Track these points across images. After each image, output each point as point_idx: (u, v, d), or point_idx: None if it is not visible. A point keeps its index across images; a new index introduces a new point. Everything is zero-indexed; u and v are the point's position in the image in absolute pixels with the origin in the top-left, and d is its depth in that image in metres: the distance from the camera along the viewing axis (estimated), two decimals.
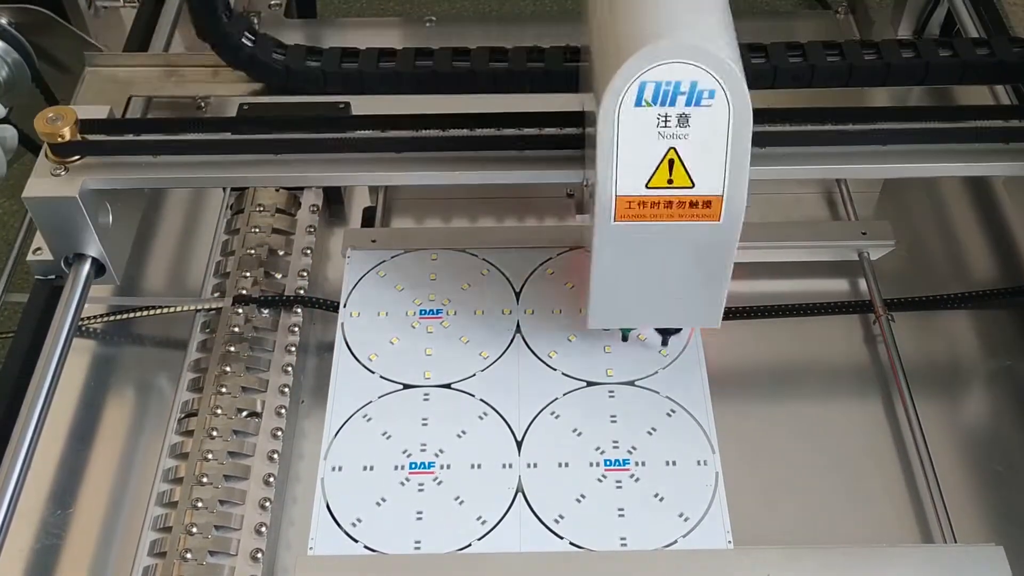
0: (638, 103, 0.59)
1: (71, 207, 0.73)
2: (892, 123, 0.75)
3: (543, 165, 0.74)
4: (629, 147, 0.61)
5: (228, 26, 0.81)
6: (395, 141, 0.75)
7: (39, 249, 0.78)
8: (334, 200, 0.94)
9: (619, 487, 0.71)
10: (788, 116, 0.74)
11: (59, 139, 0.72)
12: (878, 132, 0.74)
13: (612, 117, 0.60)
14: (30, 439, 0.68)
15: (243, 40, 0.83)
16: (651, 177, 0.62)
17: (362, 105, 0.83)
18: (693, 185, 0.62)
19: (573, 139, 0.73)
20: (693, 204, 0.63)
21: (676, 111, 0.59)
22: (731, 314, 0.84)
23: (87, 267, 0.77)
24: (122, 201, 0.78)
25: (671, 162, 0.61)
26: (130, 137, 0.75)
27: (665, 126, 0.60)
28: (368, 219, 0.93)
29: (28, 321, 0.80)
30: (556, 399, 0.76)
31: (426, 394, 0.76)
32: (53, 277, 0.79)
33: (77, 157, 0.74)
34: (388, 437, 0.74)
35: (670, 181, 0.61)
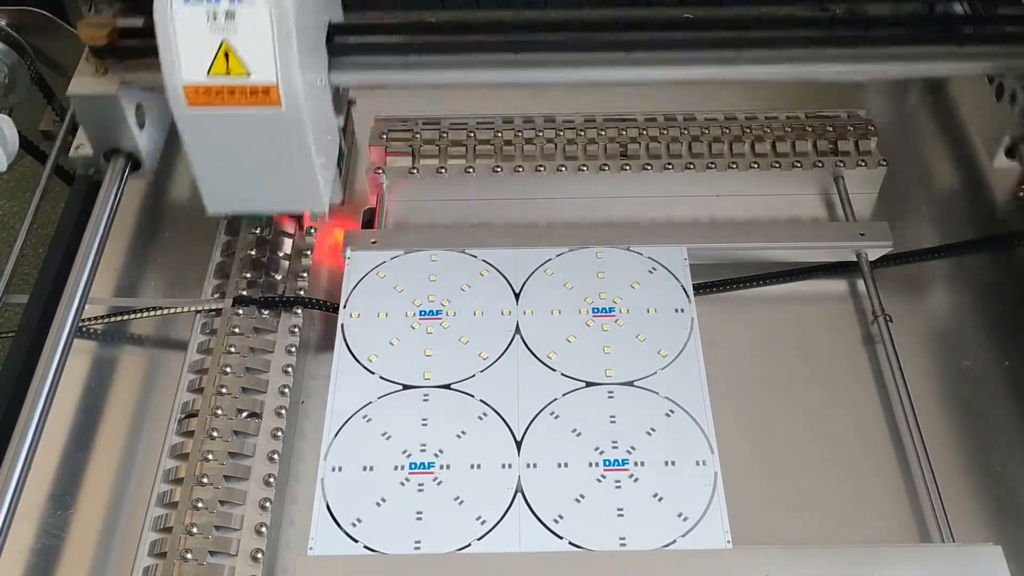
0: (186, 1, 0.69)
1: (111, 104, 0.80)
2: (853, 29, 0.82)
3: None
4: (186, 41, 0.70)
5: None
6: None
7: (81, 145, 0.85)
8: (334, 201, 0.94)
9: (618, 487, 0.71)
10: (757, 23, 0.82)
11: (100, 42, 0.78)
12: (842, 38, 0.81)
13: (166, 14, 0.69)
14: (31, 439, 0.68)
15: None
16: (210, 67, 0.70)
17: None
18: (249, 74, 0.70)
19: None
20: (253, 91, 0.71)
21: (223, 8, 0.69)
22: (721, 286, 0.87)
23: (124, 160, 0.84)
24: (156, 101, 0.83)
25: (226, 54, 0.70)
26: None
27: (215, 20, 0.69)
28: (368, 220, 0.93)
29: (68, 214, 0.87)
30: (555, 399, 0.76)
31: (426, 395, 0.76)
32: (93, 172, 0.86)
33: (114, 60, 0.80)
34: (388, 437, 0.74)
35: (228, 71, 0.70)
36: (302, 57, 0.71)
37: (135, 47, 0.79)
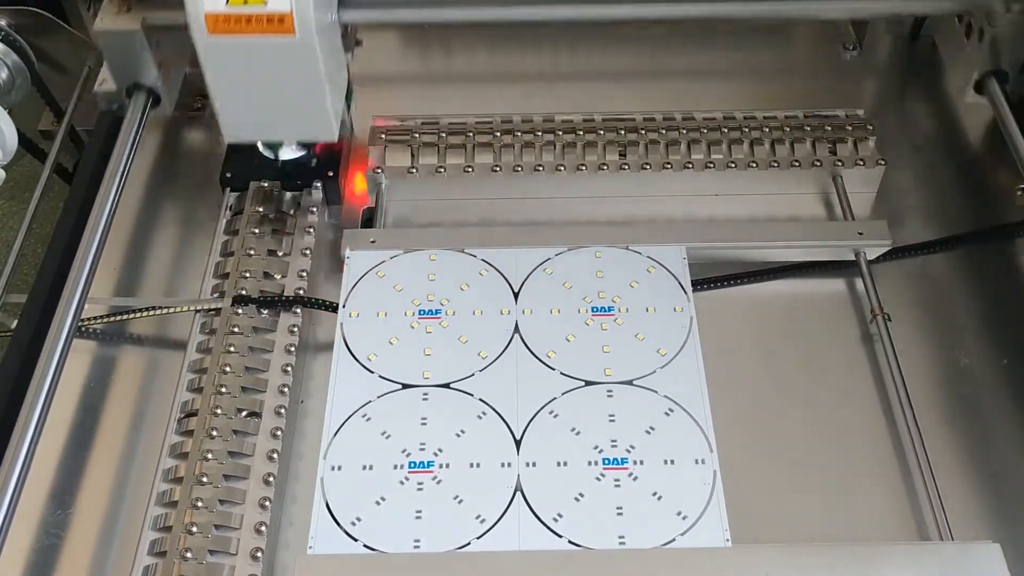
0: None
1: (134, 39, 0.86)
2: None
3: None
4: None
5: None
6: None
7: (104, 81, 0.91)
8: (333, 201, 0.94)
9: (617, 486, 0.71)
10: None
11: None
12: None
13: None
14: (30, 439, 0.68)
15: None
16: None
17: None
18: (266, 3, 0.73)
19: None
20: (269, 19, 0.74)
21: None
22: (719, 282, 0.87)
23: (145, 96, 0.89)
24: (175, 38, 0.88)
25: None
26: None
27: None
28: (367, 220, 0.93)
29: (92, 147, 0.90)
30: (555, 398, 0.76)
31: (425, 394, 0.77)
32: (116, 107, 0.92)
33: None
34: (387, 436, 0.74)
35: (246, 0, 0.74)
36: None
37: None
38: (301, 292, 0.84)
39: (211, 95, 0.78)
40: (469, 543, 0.69)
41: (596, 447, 0.73)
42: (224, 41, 0.75)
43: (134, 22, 0.86)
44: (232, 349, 0.79)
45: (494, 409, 0.75)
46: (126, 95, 0.90)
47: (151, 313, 0.84)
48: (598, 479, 0.71)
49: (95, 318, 0.85)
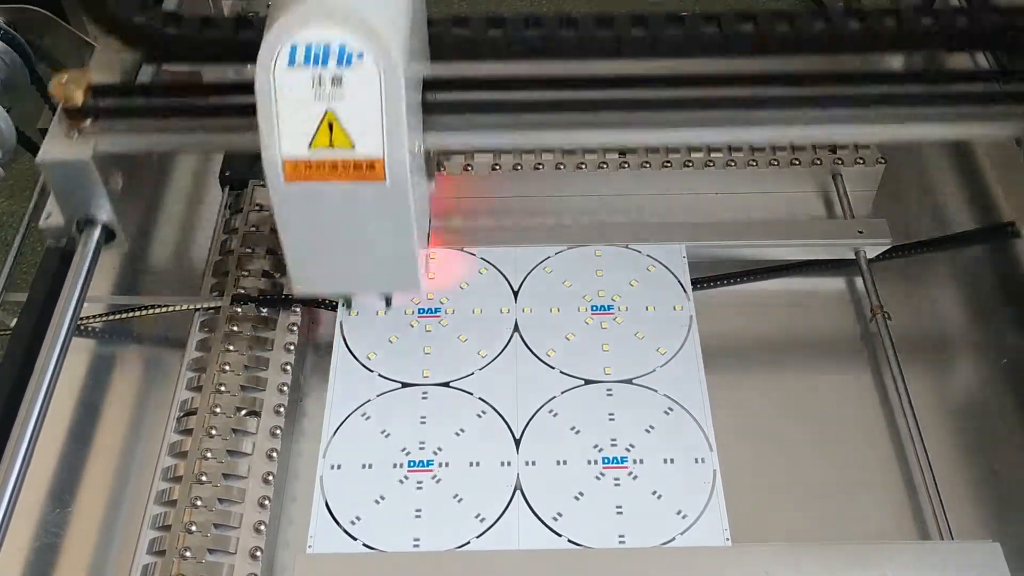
0: (291, 64, 0.61)
1: (84, 169, 0.73)
2: (875, 86, 0.75)
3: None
4: (288, 108, 0.62)
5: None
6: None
7: (51, 214, 0.78)
8: None
9: (617, 485, 0.71)
10: (771, 81, 0.75)
11: (72, 103, 0.72)
12: (863, 96, 0.74)
13: (268, 78, 0.61)
14: (29, 437, 0.68)
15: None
16: (312, 138, 0.63)
17: None
18: (354, 147, 0.63)
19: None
20: (357, 166, 0.64)
21: (329, 72, 0.61)
22: (718, 280, 0.87)
23: (98, 232, 0.76)
24: (133, 167, 0.78)
25: (330, 124, 0.63)
26: (141, 102, 0.74)
27: (320, 87, 0.62)
28: None
29: (39, 287, 0.80)
30: (554, 397, 0.76)
31: (424, 392, 0.76)
32: (64, 242, 0.79)
33: (89, 121, 0.73)
34: (387, 435, 0.74)
35: (331, 143, 0.63)
36: (410, 124, 0.65)
37: (111, 107, 0.73)
38: None
39: (283, 245, 0.69)
40: (469, 542, 0.68)
41: (596, 446, 0.73)
42: (303, 188, 0.65)
43: (85, 151, 0.72)
44: (231, 348, 0.79)
45: (493, 408, 0.75)
46: (76, 229, 0.77)
47: (150, 311, 0.84)
48: (598, 478, 0.71)
49: (94, 316, 0.85)
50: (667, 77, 0.73)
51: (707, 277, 0.86)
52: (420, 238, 0.71)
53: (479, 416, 0.75)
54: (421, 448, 0.73)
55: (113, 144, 0.73)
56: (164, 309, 0.84)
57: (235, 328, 0.80)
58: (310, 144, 0.63)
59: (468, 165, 0.93)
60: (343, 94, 0.62)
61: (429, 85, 0.71)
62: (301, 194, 0.65)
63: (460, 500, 0.70)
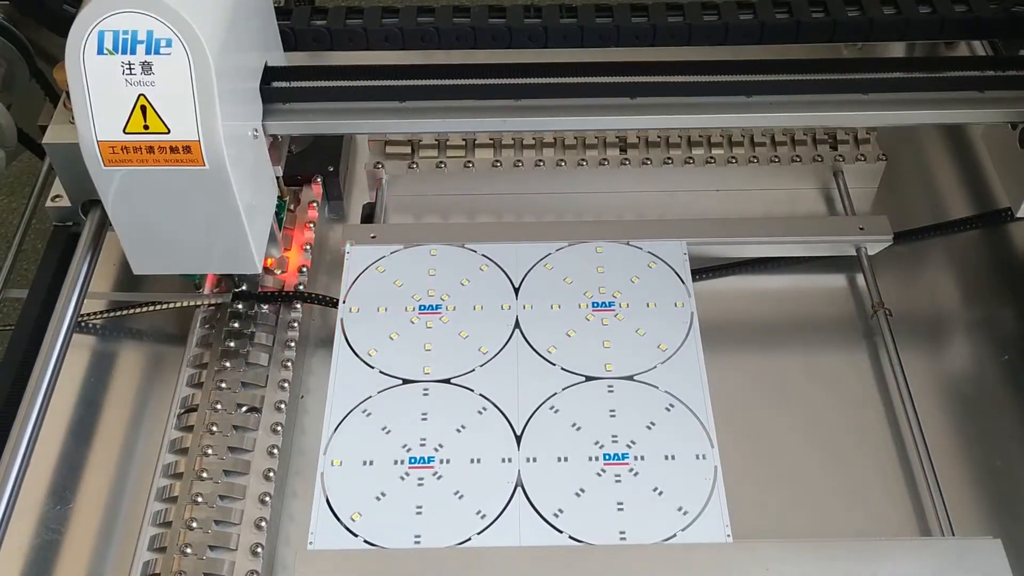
0: (100, 51, 0.63)
1: None
2: (873, 73, 0.78)
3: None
4: (100, 94, 0.64)
5: None
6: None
7: (58, 196, 0.83)
8: (333, 196, 0.94)
9: (618, 481, 0.71)
10: (773, 68, 0.78)
11: None
12: (861, 81, 0.77)
13: (78, 65, 0.63)
14: (30, 434, 0.68)
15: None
16: (127, 123, 0.65)
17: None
18: (169, 131, 0.65)
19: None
20: (174, 149, 0.66)
21: (138, 59, 0.63)
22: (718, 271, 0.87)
23: (102, 213, 0.79)
24: None
25: (143, 108, 0.65)
26: None
27: (131, 73, 0.63)
28: (368, 215, 0.93)
29: (45, 268, 0.83)
30: (555, 394, 0.76)
31: (425, 389, 0.76)
32: (71, 224, 0.84)
33: None
34: (388, 432, 0.74)
35: (146, 127, 0.65)
36: (228, 108, 0.66)
37: None
38: (301, 287, 0.84)
39: (115, 227, 0.71)
40: (469, 539, 0.68)
41: (597, 442, 0.73)
42: (124, 172, 0.67)
43: None
44: (232, 344, 0.79)
45: (495, 404, 0.75)
46: (82, 212, 0.82)
47: (151, 308, 0.84)
48: (599, 475, 0.71)
49: (95, 313, 0.85)
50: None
51: (707, 268, 0.86)
52: (260, 220, 0.74)
53: (480, 413, 0.75)
54: (422, 445, 0.73)
55: None
56: (165, 306, 0.84)
57: (236, 324, 0.80)
58: (124, 128, 0.65)
59: (468, 162, 0.93)
60: (154, 80, 0.64)
61: (275, 73, 0.75)
62: (123, 179, 0.67)
63: (461, 497, 0.70)
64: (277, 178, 0.80)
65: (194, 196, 0.69)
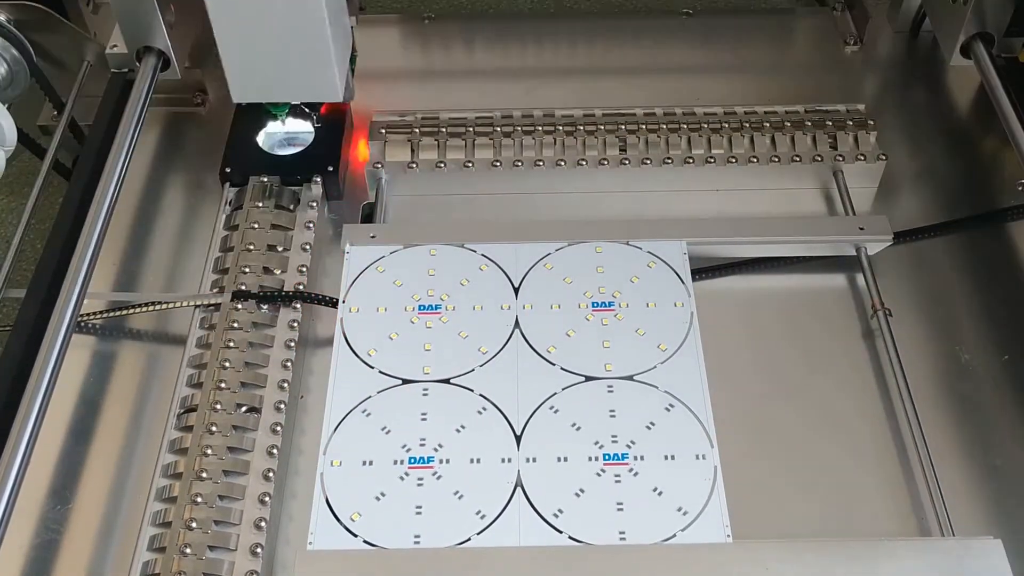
0: None
1: (145, 2, 0.88)
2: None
3: None
4: None
5: None
6: None
7: (115, 45, 0.94)
8: (333, 196, 0.94)
9: (618, 481, 0.71)
10: None
11: None
12: None
13: None
14: (29, 435, 0.68)
15: None
16: None
17: None
18: None
19: None
20: None
21: None
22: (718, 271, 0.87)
23: (155, 59, 0.91)
24: (185, 2, 0.92)
25: None
26: None
27: None
28: (367, 215, 0.93)
29: (104, 110, 0.93)
30: (555, 394, 0.76)
31: (425, 389, 0.76)
32: (126, 71, 0.94)
33: None
34: (387, 432, 0.74)
35: None
36: None
37: None
38: (301, 287, 0.84)
39: (220, 53, 0.81)
40: (469, 539, 0.68)
41: (596, 443, 0.73)
42: None
43: None
44: (232, 344, 0.79)
45: (494, 404, 0.75)
46: (136, 58, 0.92)
47: (150, 308, 0.84)
48: (598, 475, 0.71)
49: (94, 313, 0.85)
50: None
51: (706, 267, 0.86)
52: (341, 56, 0.84)
53: (480, 413, 0.75)
54: (422, 445, 0.73)
55: None
56: (164, 306, 0.84)
57: (235, 324, 0.80)
58: None
59: (468, 162, 0.93)
60: None
61: None
62: (230, 1, 0.77)
63: (461, 497, 0.70)
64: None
65: (290, 21, 0.78)
